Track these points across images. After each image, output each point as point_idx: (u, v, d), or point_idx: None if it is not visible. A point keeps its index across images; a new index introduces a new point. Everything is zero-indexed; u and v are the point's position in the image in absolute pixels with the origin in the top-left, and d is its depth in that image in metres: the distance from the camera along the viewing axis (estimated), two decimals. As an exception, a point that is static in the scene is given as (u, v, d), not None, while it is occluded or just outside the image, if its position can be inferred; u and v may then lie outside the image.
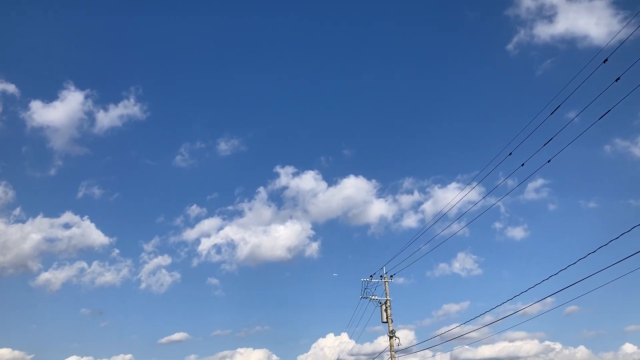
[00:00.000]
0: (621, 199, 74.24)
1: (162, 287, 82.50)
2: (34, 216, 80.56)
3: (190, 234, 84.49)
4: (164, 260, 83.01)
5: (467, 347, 60.84)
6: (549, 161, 17.61)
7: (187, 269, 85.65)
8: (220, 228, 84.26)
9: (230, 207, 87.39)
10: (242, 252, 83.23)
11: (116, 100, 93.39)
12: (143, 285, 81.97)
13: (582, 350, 62.15)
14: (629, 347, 59.54)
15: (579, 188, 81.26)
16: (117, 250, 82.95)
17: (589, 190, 78.32)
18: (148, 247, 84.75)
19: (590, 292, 19.17)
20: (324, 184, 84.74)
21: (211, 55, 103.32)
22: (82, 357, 68.88)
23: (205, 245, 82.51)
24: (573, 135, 17.99)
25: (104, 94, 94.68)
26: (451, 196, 26.33)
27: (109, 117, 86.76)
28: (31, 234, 77.14)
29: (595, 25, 72.23)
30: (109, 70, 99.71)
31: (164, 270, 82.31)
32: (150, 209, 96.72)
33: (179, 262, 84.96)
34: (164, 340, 78.98)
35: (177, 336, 78.25)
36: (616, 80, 13.45)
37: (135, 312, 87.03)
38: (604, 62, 13.52)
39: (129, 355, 71.00)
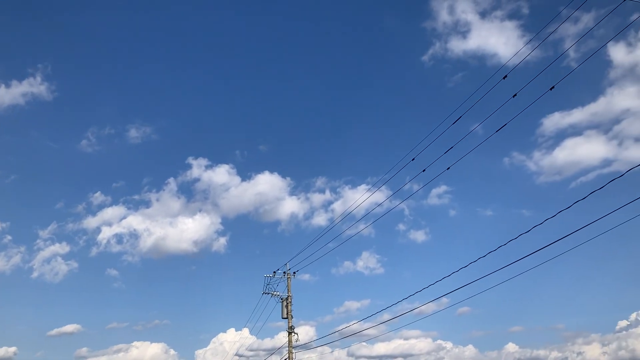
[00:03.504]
0: (515, 208, 79.41)
1: (56, 276, 77.89)
2: None
3: (91, 222, 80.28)
4: (61, 248, 78.38)
5: (364, 343, 62.60)
6: (448, 168, 18.50)
7: (86, 258, 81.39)
8: (124, 217, 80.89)
9: (136, 197, 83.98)
10: (146, 243, 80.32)
11: (20, 77, 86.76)
12: (35, 274, 76.96)
13: (470, 349, 65.86)
14: (511, 347, 63.88)
15: (479, 196, 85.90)
16: (9, 237, 77.60)
17: (487, 199, 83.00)
18: (44, 233, 79.71)
19: (479, 294, 20.36)
20: (237, 179, 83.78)
21: (127, 40, 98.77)
22: (-42, 349, 63.62)
23: (106, 234, 78.81)
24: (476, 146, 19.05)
25: (7, 69, 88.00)
26: (361, 197, 26.94)
27: (10, 94, 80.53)
28: None
29: (504, 44, 76.68)
30: (15, 44, 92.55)
31: (59, 259, 77.69)
32: (49, 193, 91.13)
33: (76, 251, 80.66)
34: (54, 332, 74.67)
35: (69, 328, 74.13)
36: (513, 97, 14.36)
37: (24, 302, 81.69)
38: (504, 78, 14.42)
39: (13, 348, 66.48)
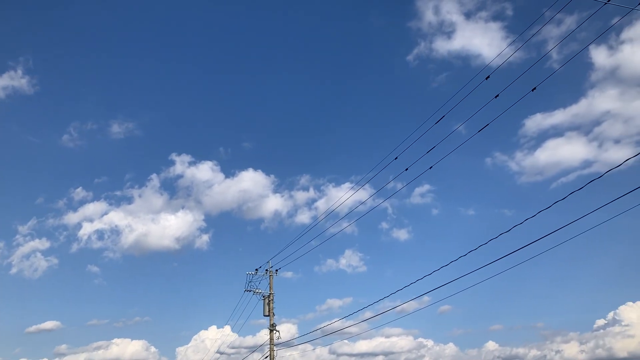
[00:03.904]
0: (496, 208, 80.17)
1: (36, 272, 77.05)
2: None
3: (72, 218, 79.58)
4: (41, 244, 77.63)
5: (346, 341, 62.72)
6: (430, 167, 18.58)
7: (66, 254, 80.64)
8: (105, 213, 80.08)
9: (118, 193, 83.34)
10: (127, 239, 79.64)
11: (1, 70, 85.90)
12: (14, 270, 76.12)
13: (451, 347, 66.36)
14: (491, 345, 64.51)
15: (461, 195, 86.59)
16: (-13, 232, 76.39)
17: (470, 198, 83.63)
18: (24, 229, 78.72)
19: (460, 292, 20.50)
20: (221, 176, 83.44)
21: (111, 34, 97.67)
22: None
23: (87, 230, 78.03)
24: (460, 146, 19.19)
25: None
26: (344, 195, 26.99)
27: (-11, 88, 79.34)
28: None
29: (488, 45, 77.25)
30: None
31: (39, 255, 76.88)
32: (29, 188, 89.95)
33: (57, 247, 79.76)
34: (33, 329, 73.73)
35: (48, 325, 73.35)
36: (495, 97, 14.47)
37: (2, 298, 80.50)
38: (486, 78, 14.51)
39: (-11, 344, 65.51)
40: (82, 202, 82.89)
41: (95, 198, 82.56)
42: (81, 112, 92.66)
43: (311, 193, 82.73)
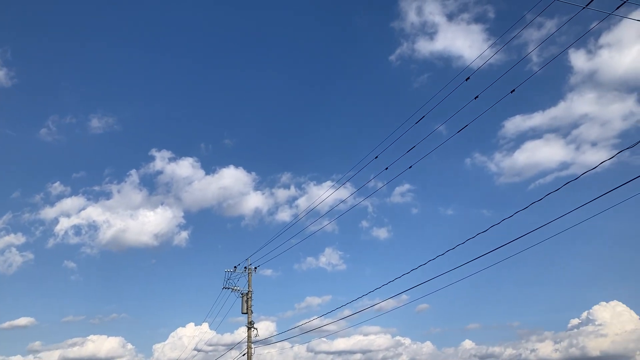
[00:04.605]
0: (475, 208, 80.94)
1: (10, 268, 75.73)
2: None
3: (48, 213, 78.30)
4: (17, 239, 76.24)
5: (324, 339, 62.81)
6: (410, 167, 18.65)
7: (42, 249, 79.34)
8: (83, 208, 78.96)
9: (96, 188, 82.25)
10: (105, 235, 78.66)
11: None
12: (-13, 266, 74.70)
13: (428, 345, 66.84)
14: (468, 344, 65.16)
15: (440, 195, 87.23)
16: (-40, 226, 75.00)
17: (449, 198, 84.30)
18: (-2, 223, 77.31)
19: (438, 291, 20.64)
20: (201, 172, 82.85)
21: (91, 26, 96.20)
22: None
23: (64, 225, 76.87)
24: (440, 147, 19.33)
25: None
26: (325, 194, 27.01)
27: (-35, 80, 77.79)
28: None
29: (469, 47, 77.73)
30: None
31: (14, 250, 75.55)
32: (5, 182, 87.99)
33: (32, 242, 78.46)
34: (6, 325, 72.47)
35: (22, 321, 72.13)
36: (475, 98, 14.60)
37: (-26, 295, 78.98)
38: (466, 80, 14.62)
39: (-38, 340, 64.26)
40: (60, 197, 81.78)
41: (73, 193, 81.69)
42: (60, 106, 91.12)
43: (292, 191, 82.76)
